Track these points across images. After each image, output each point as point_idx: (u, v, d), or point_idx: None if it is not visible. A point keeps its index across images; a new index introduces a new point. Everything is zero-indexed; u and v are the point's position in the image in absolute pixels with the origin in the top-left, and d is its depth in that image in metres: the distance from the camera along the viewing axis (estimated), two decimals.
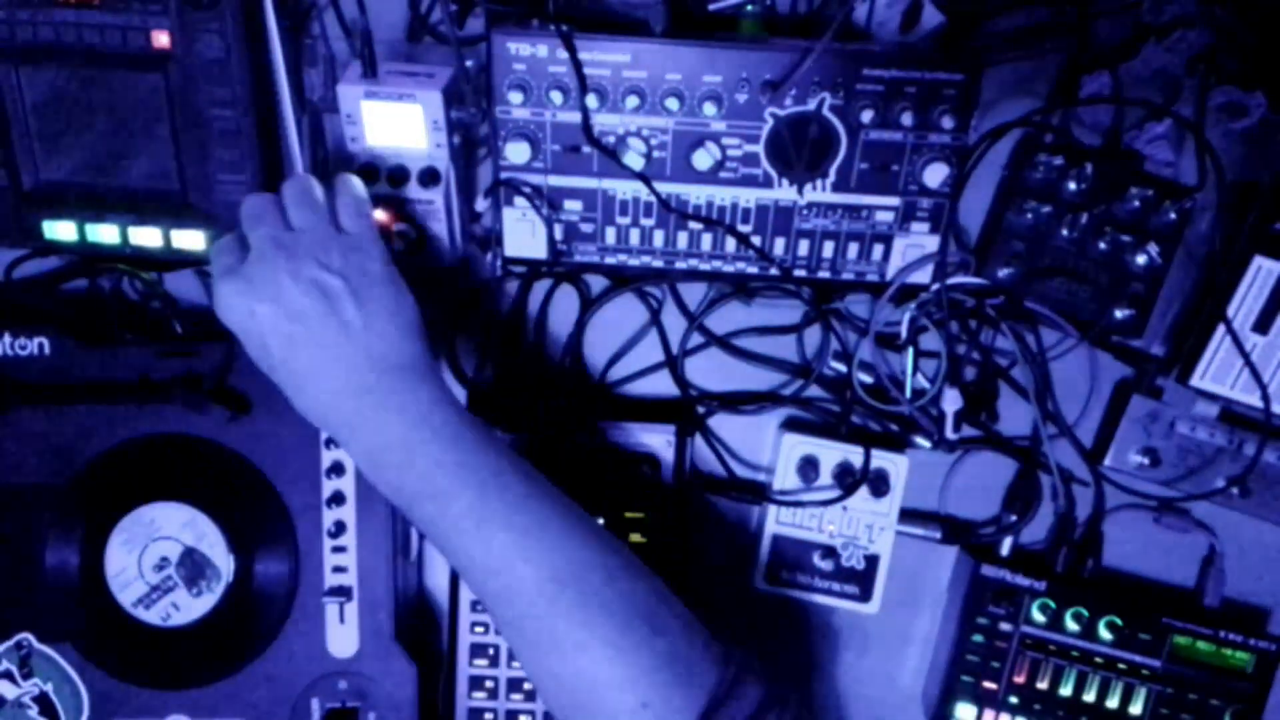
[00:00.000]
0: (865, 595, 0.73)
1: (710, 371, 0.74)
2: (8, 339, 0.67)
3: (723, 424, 0.74)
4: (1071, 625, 0.71)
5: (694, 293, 0.72)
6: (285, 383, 0.54)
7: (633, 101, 0.62)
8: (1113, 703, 0.71)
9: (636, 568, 0.54)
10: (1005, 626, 0.72)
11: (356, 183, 0.58)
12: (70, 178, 0.65)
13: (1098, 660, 0.71)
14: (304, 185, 0.56)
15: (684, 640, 0.52)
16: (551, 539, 0.52)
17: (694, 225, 0.66)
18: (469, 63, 0.64)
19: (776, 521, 0.72)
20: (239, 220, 0.56)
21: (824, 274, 0.68)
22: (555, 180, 0.65)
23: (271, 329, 0.52)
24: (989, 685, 0.72)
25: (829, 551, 0.72)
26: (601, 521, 0.56)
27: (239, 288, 0.53)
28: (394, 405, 0.53)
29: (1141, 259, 0.66)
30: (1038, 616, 0.71)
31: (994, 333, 0.70)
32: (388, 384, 0.53)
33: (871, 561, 0.72)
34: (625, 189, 0.65)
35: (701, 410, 0.74)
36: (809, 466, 0.71)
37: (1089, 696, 0.71)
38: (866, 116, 0.62)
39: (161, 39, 0.61)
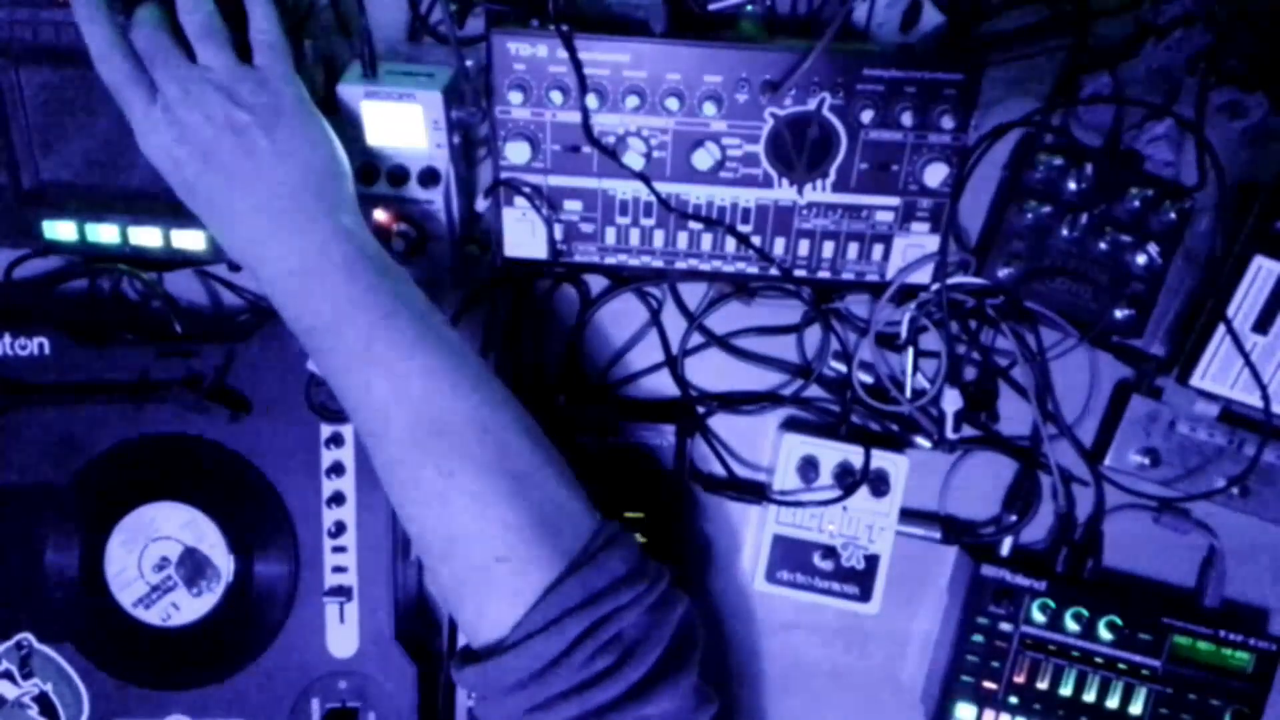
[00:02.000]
0: (865, 595, 0.72)
1: (710, 371, 0.73)
2: (8, 339, 0.67)
3: (723, 424, 0.74)
4: (1071, 625, 0.71)
5: (694, 293, 0.72)
6: (204, 216, 0.56)
7: (633, 101, 0.62)
8: (1113, 703, 0.71)
9: (521, 427, 0.53)
10: (1005, 626, 0.72)
11: (268, 15, 0.57)
12: (70, 178, 0.65)
13: (1098, 660, 0.71)
14: (206, 15, 0.55)
15: (554, 503, 0.52)
16: (432, 387, 0.52)
17: (694, 225, 0.66)
18: (469, 63, 0.64)
19: (776, 521, 0.72)
20: (139, 53, 0.55)
21: (824, 274, 0.68)
22: (555, 180, 0.65)
23: (192, 169, 0.54)
24: (989, 685, 0.72)
25: (829, 551, 0.72)
26: None
27: (158, 131, 0.54)
28: (296, 236, 0.54)
29: (1141, 259, 0.66)
30: (1038, 616, 0.71)
31: (994, 333, 0.70)
32: (293, 216, 0.54)
33: (871, 561, 0.72)
34: (625, 189, 0.65)
35: (701, 410, 0.74)
36: (809, 466, 0.71)
37: (1089, 696, 0.71)
38: (866, 116, 0.62)
39: None
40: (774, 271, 0.67)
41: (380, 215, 0.65)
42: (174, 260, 0.67)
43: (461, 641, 0.62)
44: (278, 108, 0.55)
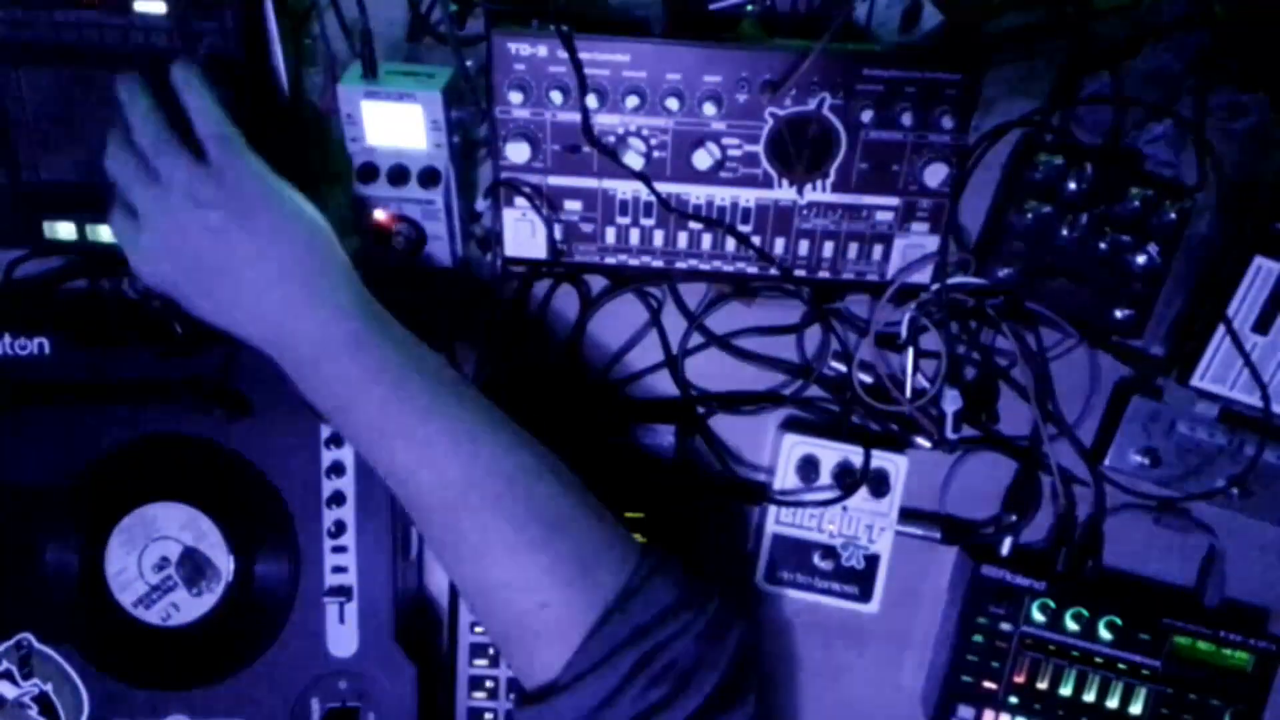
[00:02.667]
0: (865, 595, 0.73)
1: (710, 371, 0.73)
2: (8, 339, 0.67)
3: (723, 424, 0.74)
4: (1071, 625, 0.71)
5: (694, 293, 0.72)
6: (214, 321, 0.56)
7: (633, 101, 0.62)
8: (1113, 703, 0.71)
9: (548, 470, 0.54)
10: (1005, 626, 0.72)
11: (206, 107, 0.56)
12: (70, 178, 0.65)
13: (1098, 660, 0.71)
14: (154, 130, 0.55)
15: (590, 542, 0.52)
16: (454, 447, 0.53)
17: (694, 225, 0.66)
18: (469, 63, 0.64)
19: (776, 521, 0.72)
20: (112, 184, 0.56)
21: (824, 274, 0.68)
22: (555, 180, 0.65)
23: (184, 279, 0.55)
24: (989, 685, 0.72)
25: (829, 551, 0.72)
26: None
27: (140, 256, 0.56)
28: (295, 324, 0.54)
29: (1141, 259, 0.66)
30: (1038, 616, 0.71)
31: (994, 333, 0.70)
32: (288, 305, 0.54)
33: (871, 561, 0.72)
34: (625, 189, 0.65)
35: (701, 410, 0.74)
36: (809, 466, 0.71)
37: (1089, 696, 0.71)
38: (866, 116, 0.62)
39: None
40: (774, 271, 0.67)
41: (380, 215, 0.65)
42: None
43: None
44: (243, 196, 0.55)
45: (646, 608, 0.50)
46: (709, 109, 0.62)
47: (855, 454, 0.71)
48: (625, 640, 0.49)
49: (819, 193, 0.65)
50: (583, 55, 0.61)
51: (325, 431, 0.67)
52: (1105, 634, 0.71)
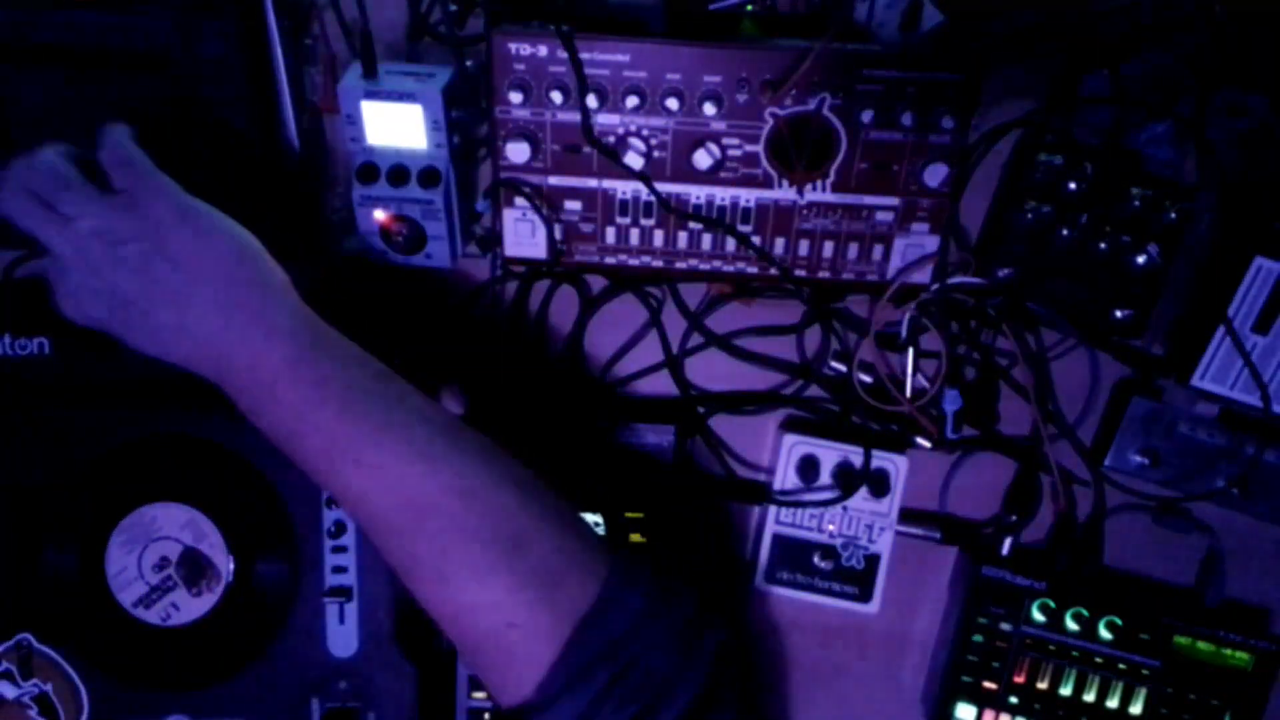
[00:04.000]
0: (865, 595, 0.73)
1: (710, 371, 0.73)
2: (8, 339, 0.67)
3: (723, 424, 0.74)
4: (1071, 625, 0.71)
5: (694, 293, 0.72)
6: (156, 354, 0.53)
7: (633, 101, 0.62)
8: (1113, 703, 0.71)
9: (510, 482, 0.52)
10: (1005, 626, 0.72)
11: (116, 132, 0.54)
12: None
13: (1098, 660, 0.71)
14: (49, 166, 0.52)
15: (557, 557, 0.50)
16: (406, 469, 0.50)
17: (694, 225, 0.66)
18: (469, 63, 0.64)
19: (776, 521, 0.72)
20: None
21: (824, 274, 0.68)
22: (555, 180, 0.65)
23: (113, 319, 0.52)
24: (989, 685, 0.72)
25: (829, 551, 0.72)
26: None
27: (64, 300, 0.53)
28: (229, 349, 0.51)
29: (1141, 259, 0.66)
30: (1038, 616, 0.71)
31: (994, 333, 0.70)
32: (220, 330, 0.51)
33: (871, 561, 0.72)
34: (625, 189, 0.65)
35: (701, 410, 0.74)
36: (809, 466, 0.71)
37: (1089, 696, 0.71)
38: (866, 116, 0.62)
39: None
40: (774, 271, 0.67)
41: (380, 215, 0.65)
42: None
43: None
44: (159, 224, 0.52)
45: (618, 622, 0.49)
46: (709, 109, 0.62)
47: (855, 454, 0.71)
48: (596, 657, 0.48)
49: (819, 193, 0.65)
50: (583, 55, 0.61)
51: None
52: (1105, 634, 0.71)
